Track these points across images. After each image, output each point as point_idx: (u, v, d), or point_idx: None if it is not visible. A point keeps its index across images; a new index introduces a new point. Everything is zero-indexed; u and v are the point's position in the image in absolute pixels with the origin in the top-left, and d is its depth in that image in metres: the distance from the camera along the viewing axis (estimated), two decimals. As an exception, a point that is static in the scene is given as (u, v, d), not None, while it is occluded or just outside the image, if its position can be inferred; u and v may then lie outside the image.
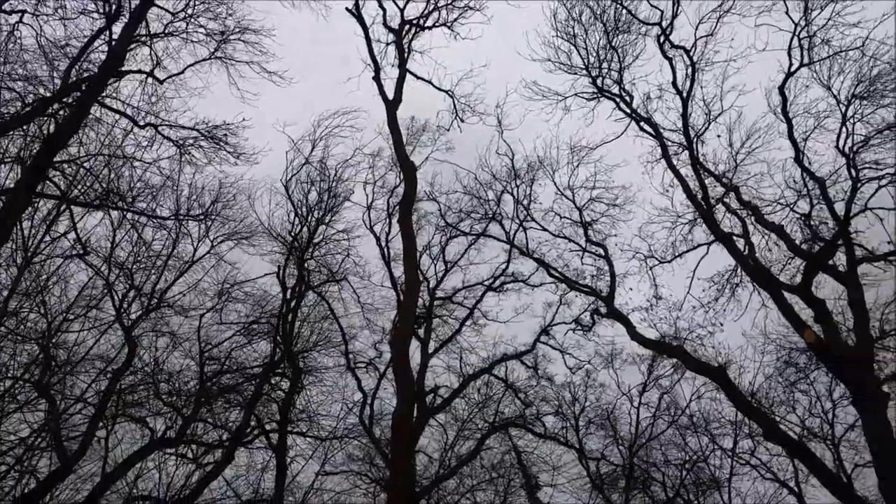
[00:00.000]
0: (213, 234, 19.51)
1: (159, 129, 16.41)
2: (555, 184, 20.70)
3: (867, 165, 17.26)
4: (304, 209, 21.39)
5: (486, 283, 21.95)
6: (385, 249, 21.43)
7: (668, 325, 19.67)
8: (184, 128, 16.65)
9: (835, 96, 17.20)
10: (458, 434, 21.76)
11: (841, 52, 16.83)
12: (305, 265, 20.91)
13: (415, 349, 19.28)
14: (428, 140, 21.71)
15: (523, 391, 21.88)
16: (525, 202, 21.03)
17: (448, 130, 20.97)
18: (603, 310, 19.58)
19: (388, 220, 21.76)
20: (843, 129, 17.20)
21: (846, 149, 17.14)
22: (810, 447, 19.32)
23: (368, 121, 22.07)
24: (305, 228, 21.29)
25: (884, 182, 17.10)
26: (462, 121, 20.45)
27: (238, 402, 19.67)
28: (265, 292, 20.68)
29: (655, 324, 19.69)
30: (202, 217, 18.86)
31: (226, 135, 16.82)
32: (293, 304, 20.32)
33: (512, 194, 21.21)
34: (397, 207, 20.13)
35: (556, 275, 20.63)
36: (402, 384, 14.71)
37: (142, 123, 16.03)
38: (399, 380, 14.89)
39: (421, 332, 20.76)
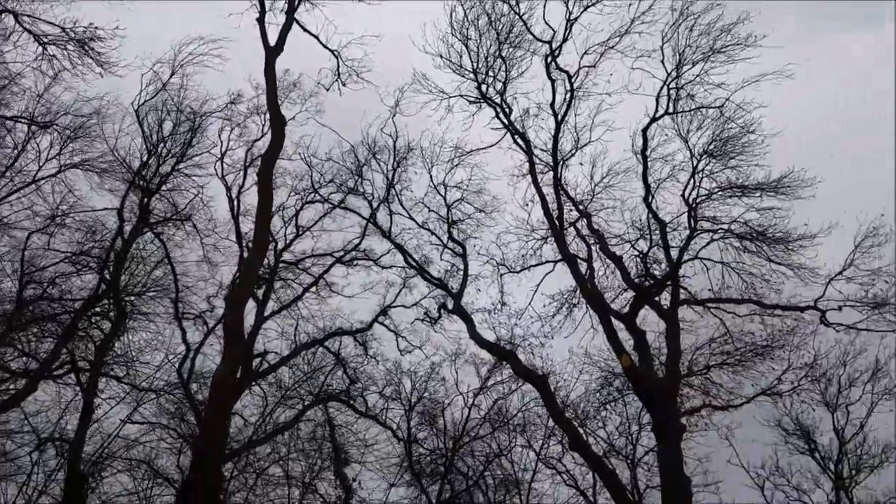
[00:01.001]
0: (63, 159, 18.22)
1: (20, 18, 14.96)
2: (430, 177, 20.83)
3: (705, 219, 18.90)
4: (155, 139, 19.77)
5: (336, 254, 21.71)
6: (236, 202, 20.53)
7: (506, 330, 20.55)
8: (50, 23, 15.17)
9: (690, 149, 18.70)
10: (279, 401, 21.49)
11: (702, 108, 18.24)
12: (148, 200, 19.51)
13: (250, 309, 18.75)
14: (298, 98, 20.69)
15: (352, 367, 21.87)
16: (397, 187, 21.07)
17: (328, 91, 20.13)
18: (450, 305, 20.11)
19: (244, 171, 20.75)
20: (692, 181, 18.74)
21: (690, 199, 18.68)
22: (613, 463, 21.05)
23: (239, 64, 20.41)
24: (154, 160, 19.75)
25: (716, 236, 18.86)
26: (344, 84, 19.82)
27: (52, 333, 18.41)
28: (102, 224, 19.38)
29: (495, 327, 20.53)
30: (49, 125, 17.43)
31: (93, 38, 15.47)
32: (128, 237, 18.99)
33: (386, 175, 21.14)
34: (257, 160, 19.39)
35: (413, 262, 20.90)
36: (230, 343, 14.28)
37: (-1, 7, 14.50)
38: (228, 338, 14.44)
39: (260, 293, 20.21)
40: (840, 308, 17.59)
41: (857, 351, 23.51)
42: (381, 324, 21.80)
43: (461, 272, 20.24)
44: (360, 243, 21.53)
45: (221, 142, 20.85)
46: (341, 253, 21.64)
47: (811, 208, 17.91)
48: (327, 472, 22.12)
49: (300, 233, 21.67)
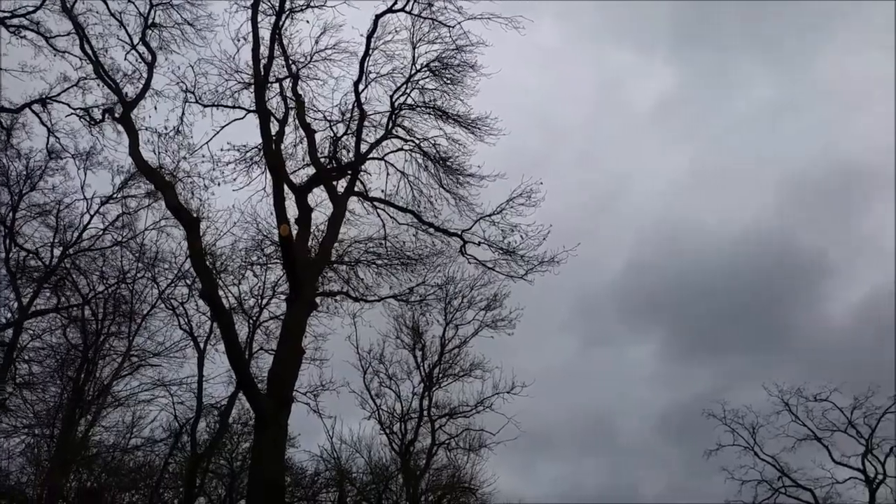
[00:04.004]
0: None
1: None
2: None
3: (403, 127, 19.82)
4: None
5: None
6: None
7: (172, 160, 19.23)
8: None
9: (414, 57, 19.20)
10: None
11: (407, 13, 18.14)
12: None
13: None
14: None
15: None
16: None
17: None
18: (118, 112, 18.04)
19: None
20: (405, 87, 19.36)
21: (396, 104, 19.42)
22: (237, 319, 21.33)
23: None
24: None
25: (406, 147, 19.78)
26: None
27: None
28: None
29: (161, 153, 19.08)
30: None
31: None
32: None
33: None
34: None
35: (90, 52, 18.19)
36: None
37: None
38: None
39: None
40: (479, 244, 19.84)
41: (482, 284, 27.64)
42: (37, 114, 19.00)
43: (142, 82, 18.28)
44: (35, 11, 18.12)
45: None
46: (7, 13, 18.02)
47: (490, 153, 19.73)
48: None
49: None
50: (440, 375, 31.92)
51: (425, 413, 31.33)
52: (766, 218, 61.47)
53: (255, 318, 26.61)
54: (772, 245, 58.08)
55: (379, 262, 20.46)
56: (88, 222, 23.56)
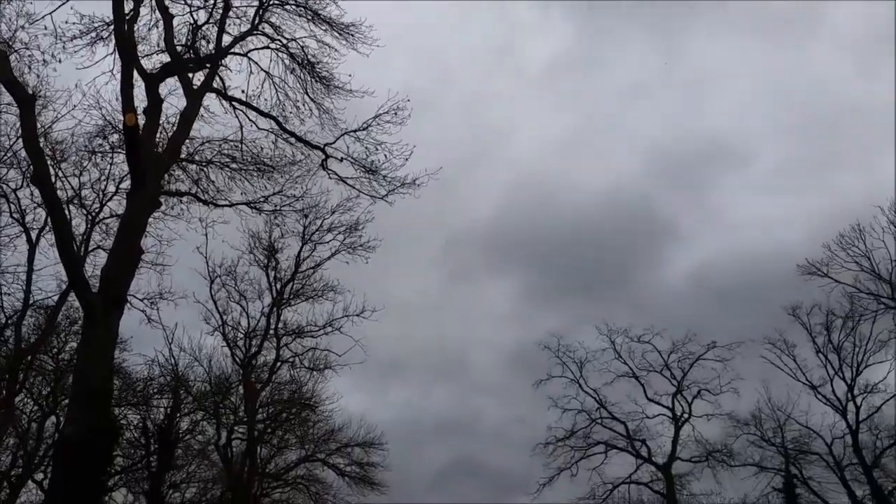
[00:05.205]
0: None
1: None
2: None
3: (271, 24, 18.70)
4: None
5: None
6: None
7: (6, 27, 17.22)
8: None
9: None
10: None
11: None
12: None
13: None
14: None
15: None
16: None
17: None
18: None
19: None
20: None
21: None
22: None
23: None
24: None
25: (273, 45, 18.83)
26: None
27: None
28: None
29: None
30: None
31: None
32: None
33: None
34: None
35: None
36: None
37: None
38: None
39: None
40: (342, 160, 19.42)
41: (346, 207, 27.44)
42: None
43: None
44: None
45: None
46: None
47: (364, 65, 19.10)
48: None
49: None
50: (291, 295, 31.59)
51: (272, 330, 31.02)
52: (632, 182, 65.44)
53: (94, 214, 24.96)
54: (632, 207, 61.98)
55: (233, 165, 19.52)
56: None
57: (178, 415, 27.02)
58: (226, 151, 19.72)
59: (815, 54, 69.83)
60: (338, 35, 18.30)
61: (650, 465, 35.91)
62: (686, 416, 36.56)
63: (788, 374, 33.82)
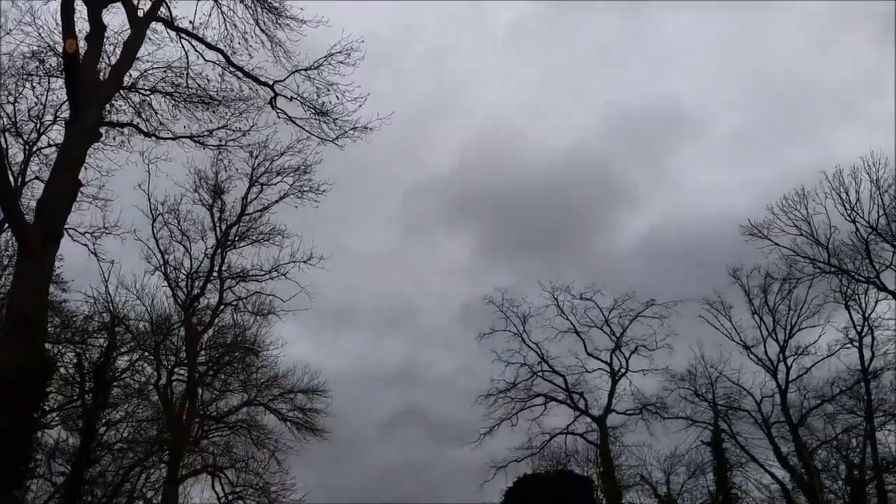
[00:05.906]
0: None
1: None
2: None
3: None
4: None
5: None
6: None
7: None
8: None
9: None
10: None
11: None
12: None
13: None
14: None
15: None
16: None
17: None
18: None
19: None
20: None
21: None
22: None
23: None
24: None
25: None
26: None
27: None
28: None
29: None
30: None
31: None
32: None
33: None
34: None
35: None
36: None
37: None
38: None
39: None
40: (291, 99, 18.92)
41: (295, 150, 26.95)
42: None
43: None
44: None
45: None
46: None
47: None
48: None
49: None
50: (236, 237, 31.02)
51: (215, 272, 30.47)
52: (591, 143, 65.41)
53: (31, 143, 23.87)
54: (590, 168, 62.19)
55: (177, 94, 18.78)
56: None
57: (115, 353, 26.47)
58: (170, 79, 19.01)
59: (774, 29, 70.51)
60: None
61: (587, 416, 36.97)
62: (623, 370, 37.61)
63: (724, 334, 34.93)
